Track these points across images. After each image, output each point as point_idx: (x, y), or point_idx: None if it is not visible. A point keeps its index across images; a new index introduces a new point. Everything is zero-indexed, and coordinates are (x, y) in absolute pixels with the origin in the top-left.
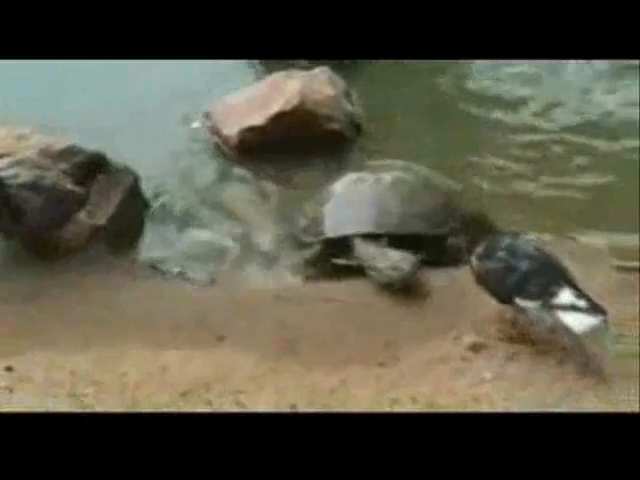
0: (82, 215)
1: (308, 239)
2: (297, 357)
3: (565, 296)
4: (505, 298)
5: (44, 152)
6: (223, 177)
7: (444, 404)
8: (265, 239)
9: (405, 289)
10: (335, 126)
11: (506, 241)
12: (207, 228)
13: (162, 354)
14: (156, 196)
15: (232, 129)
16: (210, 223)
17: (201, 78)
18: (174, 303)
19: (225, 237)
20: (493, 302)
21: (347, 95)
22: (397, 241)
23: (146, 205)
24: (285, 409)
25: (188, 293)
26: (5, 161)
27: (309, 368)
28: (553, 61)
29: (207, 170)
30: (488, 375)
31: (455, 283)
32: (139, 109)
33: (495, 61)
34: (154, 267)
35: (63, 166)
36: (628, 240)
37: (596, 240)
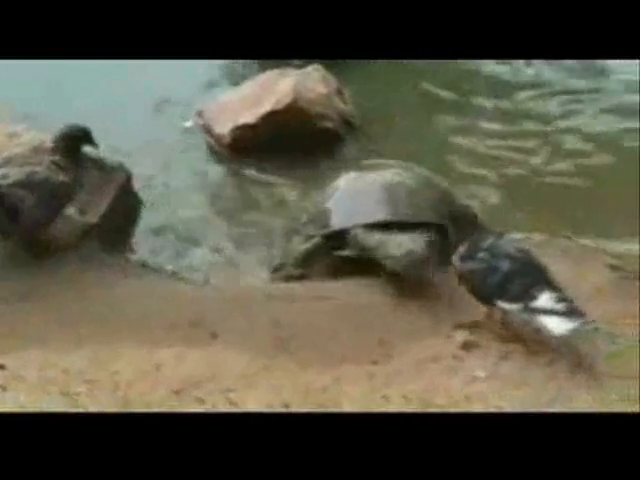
0: (74, 213)
1: (311, 233)
2: (290, 355)
3: (544, 299)
4: (486, 299)
5: (36, 149)
6: (216, 175)
7: (436, 402)
8: (260, 236)
9: (414, 280)
10: (328, 124)
11: (488, 241)
12: (200, 225)
13: (155, 352)
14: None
15: (225, 127)
16: (203, 220)
17: (194, 77)
18: (167, 301)
19: (219, 235)
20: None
21: (340, 93)
22: (406, 230)
23: (139, 203)
24: (278, 407)
25: (181, 291)
26: None
27: (302, 366)
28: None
29: (200, 168)
30: (481, 374)
31: (447, 282)
32: (132, 108)
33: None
34: (147, 265)
35: (52, 157)
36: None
37: (589, 239)
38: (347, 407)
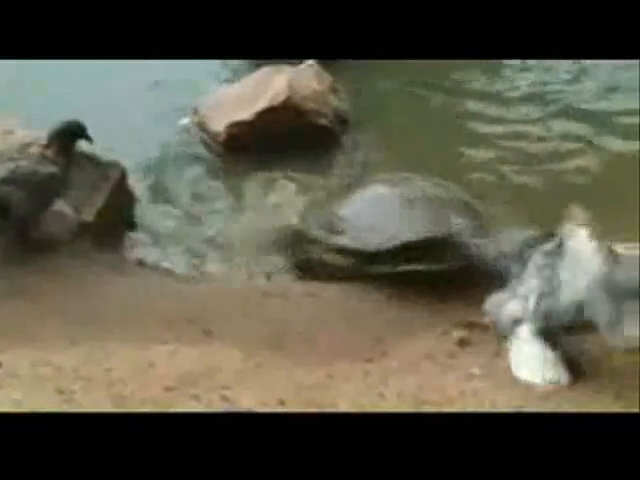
0: (69, 210)
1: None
2: (285, 353)
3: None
4: None
5: (25, 145)
6: (212, 172)
7: (431, 400)
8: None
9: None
10: (322, 121)
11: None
12: (196, 223)
13: (149, 350)
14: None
15: (219, 124)
16: (200, 218)
17: (190, 74)
18: (162, 299)
19: (213, 232)
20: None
21: (334, 90)
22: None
23: (133, 199)
24: (273, 405)
25: (176, 289)
26: None
27: (297, 364)
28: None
29: (196, 165)
30: (475, 371)
31: (443, 279)
32: (128, 105)
33: None
34: (141, 263)
35: (40, 151)
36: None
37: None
38: (342, 405)
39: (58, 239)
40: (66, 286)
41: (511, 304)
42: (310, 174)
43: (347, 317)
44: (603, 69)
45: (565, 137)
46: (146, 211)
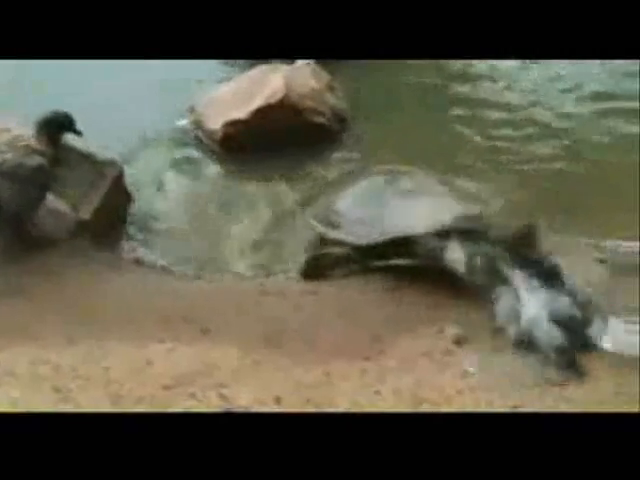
0: (66, 208)
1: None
2: (282, 351)
3: None
4: None
5: (14, 138)
6: (208, 171)
7: (428, 398)
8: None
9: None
10: (319, 119)
11: None
12: (193, 221)
13: (147, 348)
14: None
15: (216, 123)
16: (196, 216)
17: (189, 74)
18: (159, 297)
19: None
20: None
21: (331, 88)
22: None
23: (131, 198)
24: (270, 403)
25: (173, 287)
26: None
27: (294, 362)
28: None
29: (194, 165)
30: (472, 369)
31: (440, 277)
32: (127, 105)
33: None
34: (139, 261)
35: (25, 142)
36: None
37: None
38: (339, 402)
39: (55, 237)
40: (64, 285)
41: None
42: (307, 172)
43: (344, 315)
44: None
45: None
46: (143, 210)
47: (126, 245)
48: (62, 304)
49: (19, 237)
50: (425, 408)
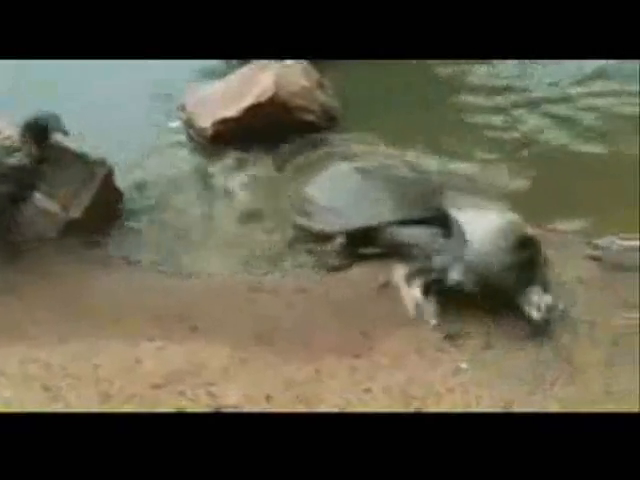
0: (56, 208)
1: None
2: (272, 348)
3: None
4: None
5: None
6: (198, 169)
7: (418, 395)
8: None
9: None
10: (309, 117)
11: None
12: (182, 219)
13: (136, 346)
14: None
15: (206, 121)
16: (185, 214)
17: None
18: (149, 296)
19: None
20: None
21: (321, 86)
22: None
23: (121, 196)
24: (260, 400)
25: (163, 285)
26: None
27: (284, 359)
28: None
29: (184, 163)
30: (463, 365)
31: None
32: (119, 105)
33: None
34: (129, 260)
35: (9, 142)
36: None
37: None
38: (329, 400)
39: (46, 237)
40: (54, 283)
41: None
42: (297, 169)
43: (335, 313)
44: None
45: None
46: (134, 209)
47: (116, 244)
48: (52, 303)
49: (3, 235)
50: (415, 406)
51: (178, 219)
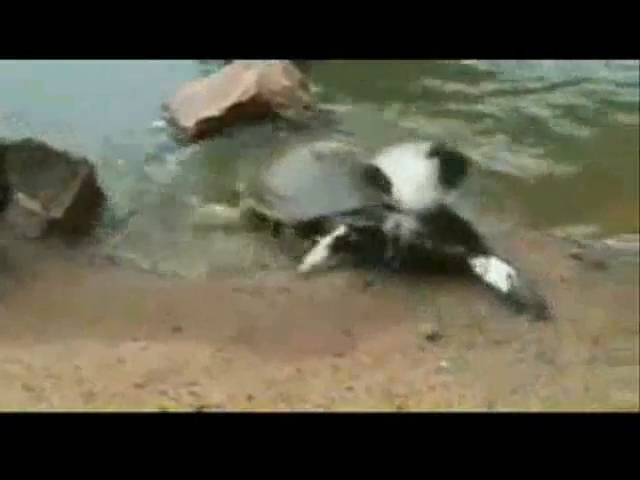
0: (38, 207)
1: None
2: (254, 348)
3: None
4: None
5: None
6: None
7: (400, 394)
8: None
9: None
10: (292, 116)
11: None
12: (164, 218)
13: (119, 346)
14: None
15: (190, 120)
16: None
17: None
18: (131, 295)
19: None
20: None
21: (303, 85)
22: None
23: (103, 196)
24: (242, 400)
25: (145, 285)
26: None
27: (266, 359)
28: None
29: (168, 164)
30: (444, 364)
31: (411, 272)
32: (102, 104)
33: None
34: (111, 259)
35: None
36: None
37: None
38: (311, 399)
39: (28, 236)
40: (35, 283)
41: None
42: None
43: (317, 312)
44: None
45: None
46: (117, 208)
47: (99, 243)
48: (34, 302)
49: None
50: (398, 404)
51: (161, 218)
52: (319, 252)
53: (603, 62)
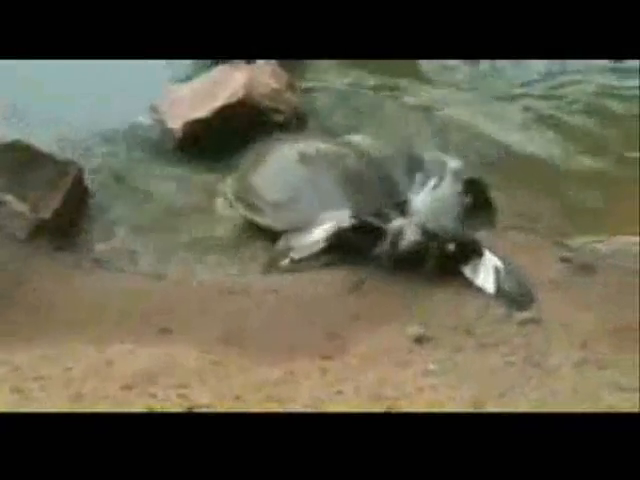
0: (26, 209)
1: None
2: (243, 349)
3: None
4: None
5: None
6: (169, 171)
7: (389, 396)
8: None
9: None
10: (279, 118)
11: None
12: (153, 220)
13: (107, 348)
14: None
15: (176, 122)
16: (155, 215)
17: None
18: (119, 297)
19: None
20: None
21: (291, 87)
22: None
23: (91, 197)
24: (230, 402)
25: (134, 287)
26: None
27: (255, 360)
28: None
29: (154, 164)
30: (433, 366)
31: (400, 274)
32: (88, 103)
33: None
34: (99, 261)
35: None
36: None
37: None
38: (300, 401)
39: (15, 238)
40: (23, 285)
41: None
42: None
43: (306, 313)
44: None
45: None
46: (105, 209)
47: (87, 245)
48: (22, 304)
49: None
50: (387, 406)
51: (149, 220)
52: (316, 237)
53: None
